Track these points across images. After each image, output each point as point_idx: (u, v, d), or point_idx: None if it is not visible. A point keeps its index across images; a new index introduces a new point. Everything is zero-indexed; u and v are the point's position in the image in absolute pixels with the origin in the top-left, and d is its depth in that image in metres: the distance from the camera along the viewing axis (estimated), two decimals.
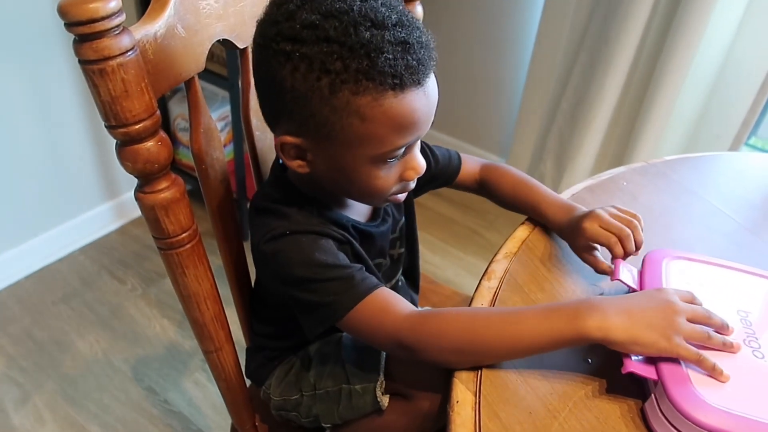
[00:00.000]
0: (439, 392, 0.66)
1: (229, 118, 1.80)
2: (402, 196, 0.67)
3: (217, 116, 1.79)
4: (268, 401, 0.79)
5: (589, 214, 0.68)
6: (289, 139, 0.59)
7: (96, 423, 1.33)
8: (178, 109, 1.81)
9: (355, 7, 0.53)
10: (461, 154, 0.85)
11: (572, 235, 0.69)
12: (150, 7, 0.55)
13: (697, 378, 0.50)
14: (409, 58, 0.53)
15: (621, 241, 0.65)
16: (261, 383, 0.81)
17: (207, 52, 0.62)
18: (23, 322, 1.56)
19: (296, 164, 0.62)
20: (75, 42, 0.47)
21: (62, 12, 0.45)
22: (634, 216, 0.68)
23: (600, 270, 0.67)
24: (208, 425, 1.35)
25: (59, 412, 1.35)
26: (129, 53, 0.48)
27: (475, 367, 0.56)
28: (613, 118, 1.70)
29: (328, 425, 0.76)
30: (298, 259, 0.60)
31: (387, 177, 0.61)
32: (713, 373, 0.50)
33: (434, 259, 1.82)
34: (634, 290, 0.59)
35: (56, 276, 1.70)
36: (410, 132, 0.57)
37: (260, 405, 0.83)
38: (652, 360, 0.52)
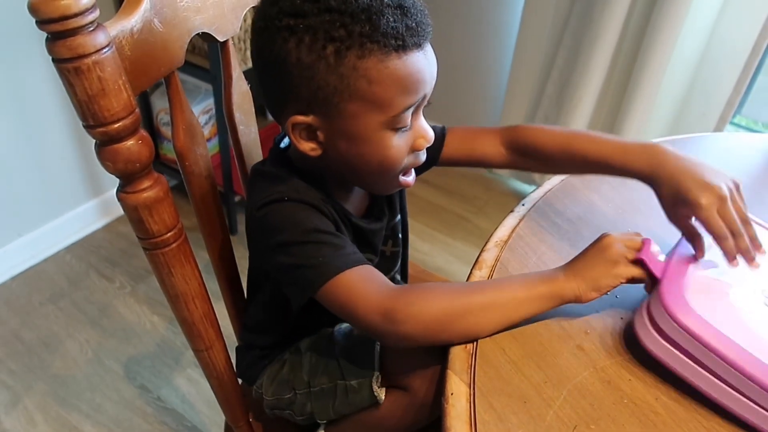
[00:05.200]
0: (435, 382, 0.66)
1: (213, 111, 1.78)
2: (411, 179, 0.67)
3: (201, 109, 1.76)
4: (261, 400, 0.79)
5: (709, 189, 0.58)
6: (299, 118, 0.59)
7: (89, 423, 1.32)
8: (161, 104, 1.78)
9: None
10: (473, 128, 0.78)
11: (664, 191, 0.62)
12: (125, 2, 0.54)
13: (692, 289, 0.54)
14: (408, 20, 0.55)
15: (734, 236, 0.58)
16: (252, 382, 0.80)
17: (186, 47, 0.61)
18: (11, 324, 1.54)
19: (308, 147, 0.62)
20: (48, 40, 0.45)
21: (33, 9, 0.43)
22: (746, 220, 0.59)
23: (694, 242, 0.60)
24: (202, 421, 1.34)
25: (51, 413, 1.34)
26: (105, 50, 0.47)
27: (469, 359, 0.56)
28: (599, 100, 1.70)
29: (323, 421, 0.75)
30: (292, 222, 0.60)
31: (399, 146, 0.61)
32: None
33: (423, 247, 1.82)
34: (653, 275, 0.55)
35: (43, 276, 1.68)
36: (415, 92, 0.58)
37: (253, 402, 0.83)
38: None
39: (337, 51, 0.54)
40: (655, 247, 0.58)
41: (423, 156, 0.66)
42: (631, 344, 0.57)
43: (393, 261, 0.81)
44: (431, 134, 0.64)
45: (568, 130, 0.73)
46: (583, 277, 0.57)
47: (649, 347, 0.53)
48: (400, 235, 0.81)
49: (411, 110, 0.60)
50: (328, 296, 0.59)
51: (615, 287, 0.57)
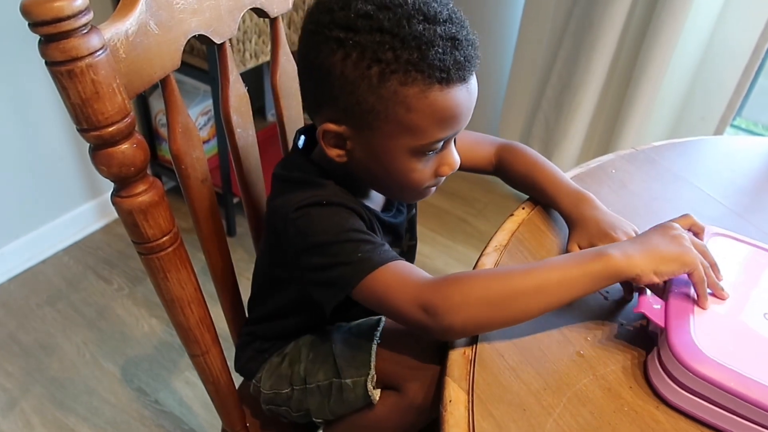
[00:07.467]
0: (431, 385, 0.66)
1: (212, 113, 1.77)
2: (432, 191, 0.67)
3: (200, 111, 1.76)
4: (258, 395, 0.79)
5: (610, 239, 0.64)
6: (331, 126, 0.60)
7: (86, 426, 1.32)
8: (159, 105, 1.77)
9: (409, 1, 0.55)
10: (476, 136, 0.83)
11: (572, 232, 0.69)
12: (120, 4, 0.53)
13: (698, 331, 0.52)
14: (457, 54, 0.55)
15: None
16: (251, 377, 0.80)
17: (182, 49, 0.60)
18: (8, 326, 1.53)
19: (335, 153, 0.63)
20: (41, 43, 0.45)
21: (25, 11, 0.43)
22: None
23: None
24: (199, 424, 1.34)
25: (47, 416, 1.33)
26: (99, 53, 0.46)
27: (468, 365, 0.55)
28: (599, 104, 1.70)
29: (320, 420, 0.75)
30: (330, 224, 0.60)
31: (423, 170, 0.62)
32: (716, 289, 0.56)
33: (423, 249, 1.81)
34: (657, 326, 0.54)
35: (40, 278, 1.67)
36: (451, 126, 0.59)
37: (250, 401, 0.82)
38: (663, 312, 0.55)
39: (381, 73, 0.55)
40: (649, 295, 0.57)
41: (443, 179, 0.66)
42: (631, 351, 0.57)
43: (410, 256, 0.82)
44: (457, 162, 0.64)
45: (537, 160, 0.77)
46: (649, 255, 0.54)
47: (671, 399, 0.52)
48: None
49: (441, 143, 0.60)
50: (366, 291, 0.58)
51: (678, 273, 0.54)
